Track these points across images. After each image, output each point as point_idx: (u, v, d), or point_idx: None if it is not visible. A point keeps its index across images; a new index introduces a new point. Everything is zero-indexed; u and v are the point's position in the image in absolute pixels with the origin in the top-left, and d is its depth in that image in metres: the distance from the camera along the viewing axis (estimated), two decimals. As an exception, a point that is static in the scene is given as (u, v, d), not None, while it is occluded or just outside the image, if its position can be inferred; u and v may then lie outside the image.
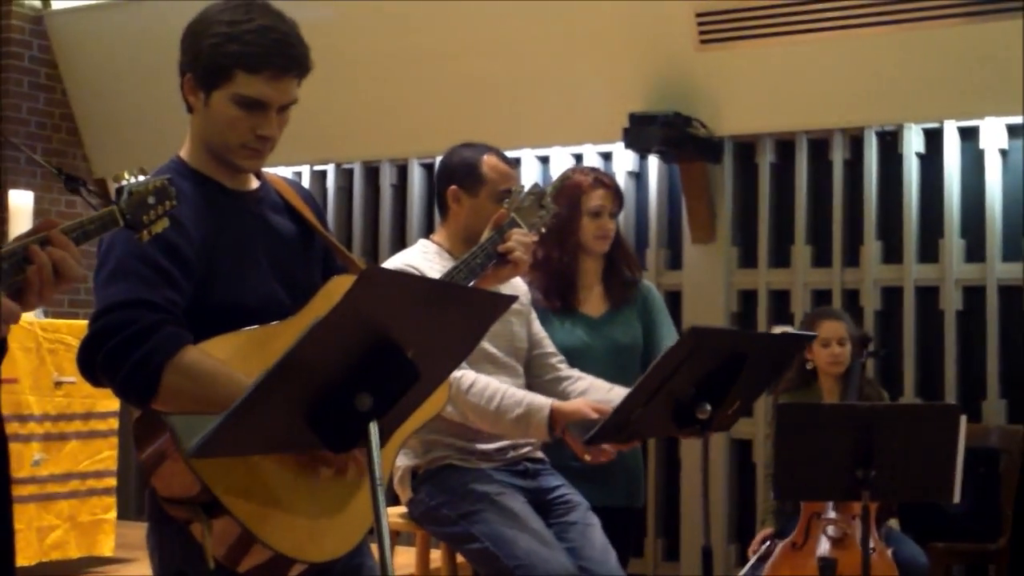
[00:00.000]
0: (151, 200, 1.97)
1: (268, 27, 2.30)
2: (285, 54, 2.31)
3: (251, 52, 2.28)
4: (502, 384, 3.16)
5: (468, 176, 3.27)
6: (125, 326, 2.16)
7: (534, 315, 3.48)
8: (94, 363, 2.20)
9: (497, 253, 2.81)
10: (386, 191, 6.66)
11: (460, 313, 2.01)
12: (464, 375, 3.13)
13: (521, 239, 2.84)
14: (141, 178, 1.99)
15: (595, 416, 3.01)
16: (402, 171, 6.64)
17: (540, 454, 3.34)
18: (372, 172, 6.76)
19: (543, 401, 3.12)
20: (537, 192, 2.93)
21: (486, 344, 3.21)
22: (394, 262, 3.28)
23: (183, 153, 2.42)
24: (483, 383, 3.13)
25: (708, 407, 2.78)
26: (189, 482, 2.16)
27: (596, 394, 3.26)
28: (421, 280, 2.32)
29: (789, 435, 3.32)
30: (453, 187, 3.27)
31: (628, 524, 3.74)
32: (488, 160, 3.29)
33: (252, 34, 2.28)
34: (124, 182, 1.96)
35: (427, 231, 6.50)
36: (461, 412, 3.16)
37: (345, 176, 6.82)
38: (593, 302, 3.73)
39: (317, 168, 6.83)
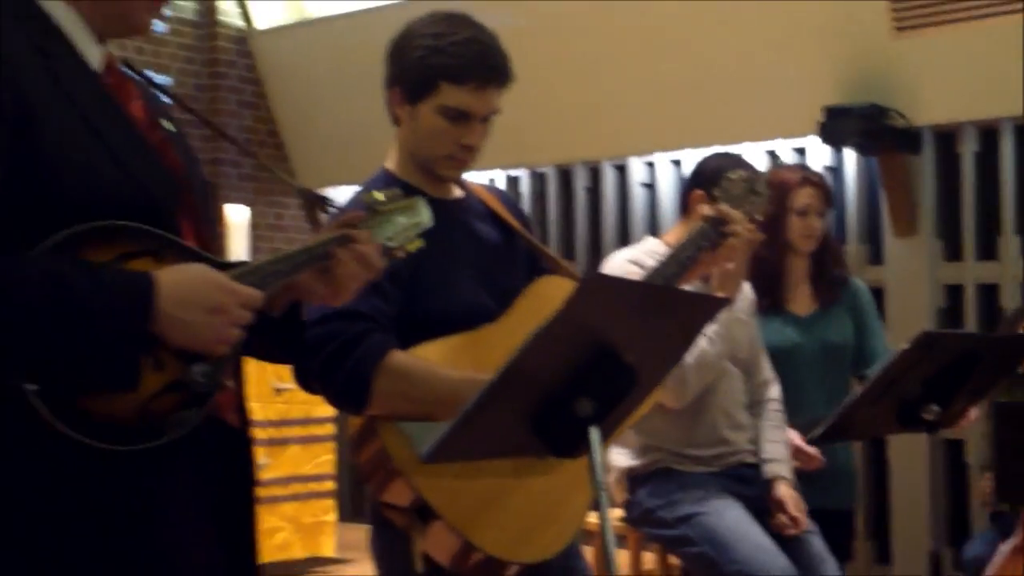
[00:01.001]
0: (403, 219, 2.00)
1: (471, 39, 2.35)
2: (488, 65, 2.35)
3: (455, 64, 2.33)
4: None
5: (713, 183, 3.15)
6: (333, 338, 2.23)
7: (756, 329, 3.45)
8: (309, 375, 2.28)
9: (706, 245, 2.76)
10: (579, 194, 6.71)
11: (676, 316, 2.01)
12: None
13: (734, 216, 2.78)
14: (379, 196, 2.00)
15: None
16: (595, 173, 6.68)
17: (756, 459, 3.34)
18: (565, 175, 6.81)
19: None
20: (749, 179, 2.88)
21: None
22: (620, 257, 3.29)
23: (389, 164, 2.49)
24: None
25: (935, 408, 2.75)
26: (401, 487, 2.23)
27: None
28: (639, 285, 2.33)
29: (1009, 435, 3.24)
30: (698, 191, 3.22)
31: (844, 526, 3.71)
32: (739, 173, 3.16)
33: (456, 46, 2.33)
34: (375, 199, 1.99)
35: (621, 233, 6.54)
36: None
37: (538, 180, 6.90)
38: (801, 301, 3.71)
39: (511, 173, 6.92)
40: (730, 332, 3.23)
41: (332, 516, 6.03)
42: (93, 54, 1.72)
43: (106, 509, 1.57)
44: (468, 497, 2.25)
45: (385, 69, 2.44)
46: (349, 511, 7.20)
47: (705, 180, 3.20)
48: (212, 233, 1.84)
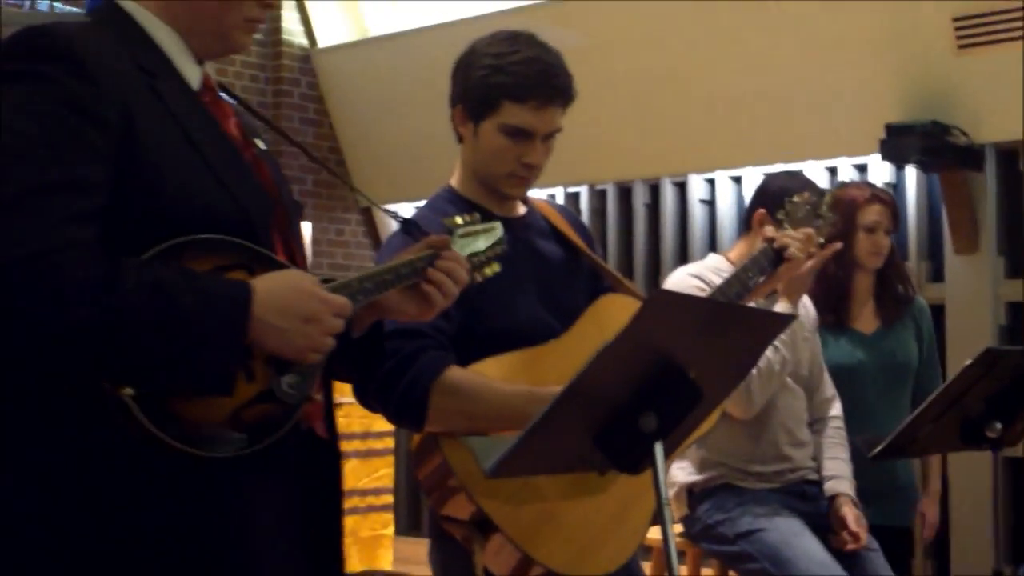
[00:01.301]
0: (481, 243, 2.05)
1: (533, 58, 2.36)
2: (550, 84, 2.36)
3: (517, 82, 2.35)
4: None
5: (778, 204, 3.15)
6: (391, 356, 2.24)
7: (818, 347, 3.45)
8: (367, 393, 2.30)
9: (769, 266, 2.76)
10: (639, 211, 6.71)
11: (740, 333, 2.01)
12: None
13: (795, 235, 2.77)
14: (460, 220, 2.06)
15: None
16: (654, 190, 6.68)
17: (816, 476, 3.33)
18: (625, 192, 6.82)
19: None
20: (813, 202, 2.89)
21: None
22: (682, 272, 3.30)
23: (454, 181, 2.51)
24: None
25: (998, 425, 2.74)
26: (462, 501, 2.25)
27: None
28: (705, 302, 2.34)
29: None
30: (762, 211, 3.22)
31: (904, 544, 3.70)
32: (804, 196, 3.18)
33: (518, 65, 2.35)
34: (456, 224, 2.03)
35: (681, 250, 6.54)
36: None
37: (598, 197, 6.91)
38: (865, 318, 3.71)
39: (571, 190, 6.94)
40: (795, 344, 3.22)
41: (390, 529, 6.07)
42: (192, 73, 1.77)
43: (195, 516, 1.60)
44: (528, 512, 2.26)
45: (450, 87, 2.46)
46: (406, 525, 7.24)
47: (769, 199, 3.22)
48: (300, 249, 1.87)
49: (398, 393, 2.24)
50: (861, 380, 3.62)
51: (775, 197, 3.21)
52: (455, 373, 2.26)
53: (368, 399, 2.31)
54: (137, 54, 1.69)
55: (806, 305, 3.38)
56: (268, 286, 1.62)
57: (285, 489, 1.72)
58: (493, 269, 2.06)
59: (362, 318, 1.88)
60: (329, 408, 1.87)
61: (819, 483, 3.32)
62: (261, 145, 1.87)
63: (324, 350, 1.68)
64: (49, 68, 1.57)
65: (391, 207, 7.58)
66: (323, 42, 7.54)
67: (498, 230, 2.08)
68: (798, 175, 3.35)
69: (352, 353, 1.89)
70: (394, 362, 2.24)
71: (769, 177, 3.37)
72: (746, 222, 3.35)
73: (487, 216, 2.42)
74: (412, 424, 2.29)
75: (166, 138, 1.64)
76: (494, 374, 2.29)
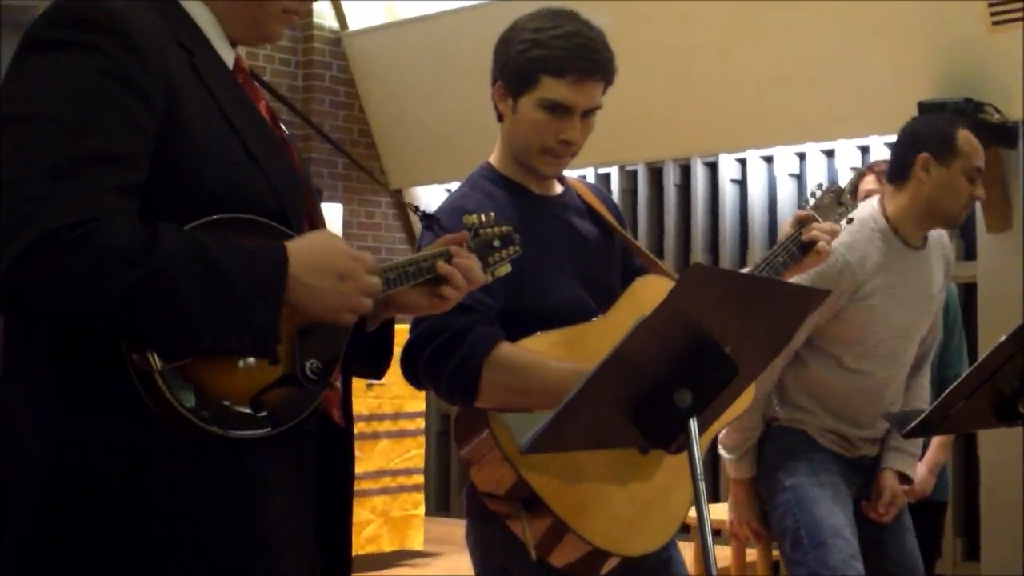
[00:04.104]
0: (496, 243, 2.04)
1: (573, 32, 2.34)
2: (589, 58, 2.33)
3: (556, 56, 2.31)
4: None
5: (942, 146, 3.11)
6: (440, 332, 2.23)
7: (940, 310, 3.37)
8: (417, 368, 2.29)
9: (800, 250, 2.72)
10: (670, 191, 6.71)
11: (776, 308, 1.99)
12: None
13: (824, 228, 2.71)
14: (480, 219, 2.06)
15: None
16: (685, 171, 6.68)
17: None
18: (656, 173, 6.82)
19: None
20: (835, 190, 2.82)
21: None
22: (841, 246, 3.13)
23: (493, 159, 2.49)
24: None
25: None
26: (508, 477, 2.23)
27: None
28: (741, 276, 2.31)
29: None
30: (924, 155, 3.10)
31: (936, 518, 3.70)
32: (964, 134, 3.14)
33: (557, 39, 2.32)
34: (473, 223, 2.03)
35: (712, 230, 6.54)
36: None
37: (629, 178, 6.91)
38: None
39: (601, 171, 6.94)
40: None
41: (421, 510, 6.09)
42: (227, 55, 1.78)
43: (209, 494, 1.60)
44: (574, 489, 2.25)
45: (492, 65, 2.44)
46: (436, 505, 7.27)
47: (929, 142, 3.12)
48: None
49: (450, 368, 2.23)
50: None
51: (934, 139, 3.11)
52: (507, 349, 2.25)
53: (417, 375, 2.31)
54: (177, 31, 1.69)
55: (943, 242, 3.31)
56: (301, 246, 1.62)
57: (300, 474, 1.72)
58: (504, 270, 2.06)
59: (375, 314, 1.87)
60: (347, 396, 1.87)
61: (877, 458, 3.27)
62: (285, 129, 1.87)
63: (360, 310, 1.68)
64: (98, 39, 1.57)
65: (422, 189, 7.62)
66: (353, 25, 7.56)
67: (512, 232, 2.09)
68: (943, 114, 3.24)
69: (364, 347, 1.89)
70: (445, 337, 2.23)
71: (914, 120, 3.26)
72: (902, 170, 3.17)
73: (511, 187, 2.44)
74: (463, 399, 2.27)
75: (206, 116, 1.65)
76: (536, 351, 2.28)
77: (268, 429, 1.61)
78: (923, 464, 3.60)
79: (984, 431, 5.15)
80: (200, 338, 1.53)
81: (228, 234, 1.59)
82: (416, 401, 6.02)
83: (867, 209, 3.19)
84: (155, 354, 1.52)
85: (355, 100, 7.62)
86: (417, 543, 6.08)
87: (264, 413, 1.61)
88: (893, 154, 3.24)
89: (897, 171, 3.18)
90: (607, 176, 6.95)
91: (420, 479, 6.11)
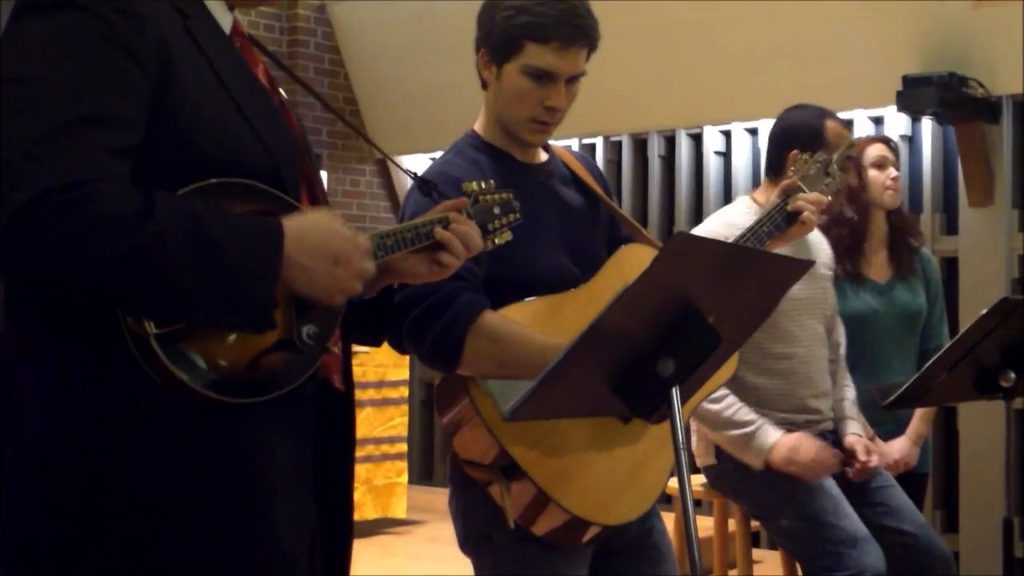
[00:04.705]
0: (496, 210, 2.05)
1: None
2: (573, 24, 2.32)
3: (540, 23, 2.30)
4: (736, 399, 3.19)
5: (811, 140, 3.18)
6: (424, 297, 2.23)
7: (831, 285, 3.45)
8: (400, 332, 2.28)
9: (785, 220, 2.76)
10: (654, 162, 6.71)
11: (759, 278, 2.00)
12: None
13: (809, 199, 2.76)
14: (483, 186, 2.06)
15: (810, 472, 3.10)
16: (670, 142, 6.68)
17: (831, 425, 3.35)
18: (640, 144, 6.82)
19: (771, 436, 3.16)
20: (823, 160, 2.87)
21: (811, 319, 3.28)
22: (716, 220, 3.29)
23: (478, 127, 2.48)
24: (723, 391, 3.15)
25: (1012, 375, 2.76)
26: (488, 445, 2.24)
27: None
28: (725, 246, 2.32)
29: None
30: (795, 151, 3.13)
31: (918, 489, 3.73)
32: (831, 125, 3.24)
33: (541, 6, 2.31)
34: (473, 190, 2.03)
35: (696, 202, 6.55)
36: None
37: (614, 149, 6.91)
38: (878, 267, 3.74)
39: (586, 141, 6.93)
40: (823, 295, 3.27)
41: (404, 478, 6.11)
42: (224, 19, 1.78)
43: (208, 459, 1.60)
44: (554, 458, 2.26)
45: (475, 32, 2.44)
46: (419, 474, 7.29)
47: (798, 138, 3.21)
48: (323, 199, 1.87)
49: (433, 335, 2.23)
50: (875, 328, 3.66)
51: (804, 134, 3.20)
52: (491, 318, 2.25)
53: (399, 339, 2.30)
54: None
55: (821, 242, 3.40)
56: (298, 225, 1.62)
57: (300, 439, 1.73)
58: (504, 238, 2.06)
59: (374, 281, 1.87)
60: (347, 361, 1.87)
61: (834, 432, 3.34)
62: (283, 94, 1.87)
63: (352, 293, 1.68)
64: (92, 1, 1.57)
65: (406, 158, 7.60)
66: (338, -9, 7.53)
67: (512, 199, 2.09)
68: (808, 106, 3.31)
69: (363, 314, 1.90)
70: (430, 303, 2.23)
71: (784, 116, 3.34)
72: (775, 165, 3.29)
73: (496, 154, 2.44)
74: (445, 366, 2.27)
75: (200, 79, 1.64)
76: (518, 320, 2.29)
77: (265, 395, 1.62)
78: (906, 436, 3.63)
79: (964, 404, 5.19)
80: (192, 312, 1.53)
81: (224, 202, 1.59)
82: (399, 369, 6.03)
83: (743, 203, 3.31)
84: (150, 320, 1.52)
85: (340, 68, 7.59)
86: (400, 511, 6.10)
87: (261, 378, 1.61)
88: (767, 149, 3.35)
89: (770, 165, 3.31)
90: (592, 147, 6.94)
91: (403, 447, 6.13)
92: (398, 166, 2.20)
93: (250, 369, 1.60)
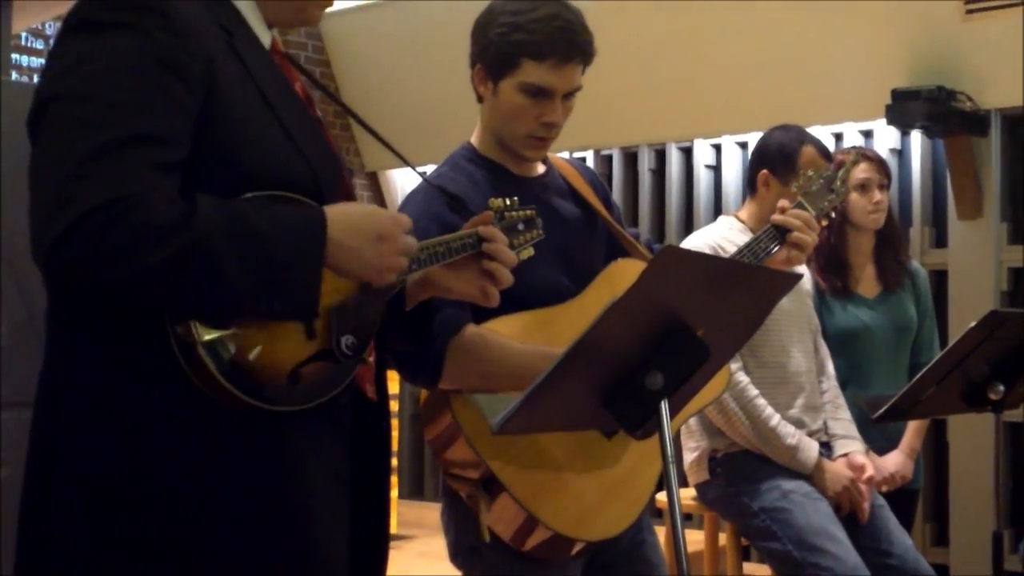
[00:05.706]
0: (520, 227, 2.09)
1: (552, 15, 2.33)
2: (569, 41, 2.33)
3: (536, 40, 2.31)
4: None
5: (783, 164, 3.23)
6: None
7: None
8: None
9: (776, 245, 2.67)
10: (644, 176, 6.72)
11: (748, 292, 2.00)
12: (747, 382, 3.19)
13: (802, 216, 2.65)
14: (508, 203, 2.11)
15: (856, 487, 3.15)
16: (660, 156, 6.69)
17: (827, 439, 3.35)
18: (631, 157, 6.82)
19: (814, 448, 3.19)
20: (828, 176, 2.80)
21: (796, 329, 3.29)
22: (698, 238, 3.31)
23: (473, 139, 2.48)
24: (763, 401, 3.18)
25: (1001, 387, 2.76)
26: (469, 459, 2.25)
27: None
28: (713, 260, 2.31)
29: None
30: (764, 171, 3.23)
31: (909, 505, 3.73)
32: (806, 151, 3.24)
33: (537, 23, 2.31)
34: (498, 206, 2.07)
35: (686, 215, 6.56)
36: (728, 413, 3.19)
37: (604, 162, 6.91)
38: (867, 282, 3.73)
39: (577, 155, 6.93)
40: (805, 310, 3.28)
41: (394, 493, 6.11)
42: (264, 36, 1.79)
43: (248, 464, 1.63)
44: (535, 474, 2.26)
45: (470, 47, 2.44)
46: (409, 489, 7.27)
47: (770, 159, 3.26)
48: None
49: (413, 352, 2.21)
50: (865, 343, 3.65)
51: (776, 156, 3.24)
52: (473, 332, 2.25)
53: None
54: (217, 12, 1.71)
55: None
56: (340, 209, 1.67)
57: (336, 448, 1.75)
58: (527, 253, 2.10)
59: (413, 294, 1.92)
60: (381, 372, 1.89)
61: (828, 446, 3.33)
62: (319, 112, 1.89)
63: (398, 269, 1.72)
64: (142, 20, 1.59)
65: (397, 172, 7.58)
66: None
67: (535, 216, 2.12)
68: (792, 128, 3.33)
69: (402, 326, 1.94)
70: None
71: (765, 136, 3.37)
72: (751, 184, 3.36)
73: (505, 175, 2.45)
74: (426, 381, 2.28)
75: (244, 96, 1.67)
76: (506, 333, 2.29)
77: (306, 403, 1.65)
78: (900, 450, 3.63)
79: (954, 417, 5.20)
80: (241, 303, 1.56)
81: (265, 203, 1.62)
82: (390, 384, 6.01)
83: (724, 223, 3.35)
84: (197, 325, 1.55)
85: (331, 81, 7.59)
86: (390, 526, 6.09)
87: (302, 387, 1.64)
88: (748, 166, 3.39)
89: (748, 183, 3.37)
90: (582, 160, 6.93)
91: (393, 462, 6.11)
92: (424, 177, 2.21)
93: (291, 378, 1.63)
